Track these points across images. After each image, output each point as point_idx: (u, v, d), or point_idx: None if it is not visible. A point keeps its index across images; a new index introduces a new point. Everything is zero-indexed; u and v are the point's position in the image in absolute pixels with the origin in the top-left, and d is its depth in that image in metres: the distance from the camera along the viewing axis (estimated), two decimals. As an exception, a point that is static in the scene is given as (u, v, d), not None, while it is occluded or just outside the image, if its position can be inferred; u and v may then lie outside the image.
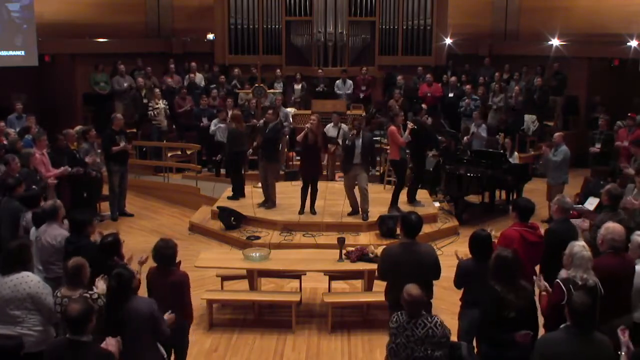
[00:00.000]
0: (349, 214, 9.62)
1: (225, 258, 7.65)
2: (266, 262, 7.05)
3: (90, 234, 5.80)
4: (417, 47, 15.50)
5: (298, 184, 10.12)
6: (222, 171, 12.31)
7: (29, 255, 5.10)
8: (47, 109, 14.08)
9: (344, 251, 7.12)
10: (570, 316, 3.98)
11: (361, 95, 14.81)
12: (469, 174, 10.42)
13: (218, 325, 6.87)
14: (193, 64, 14.80)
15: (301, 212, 9.61)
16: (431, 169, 11.38)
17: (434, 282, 5.41)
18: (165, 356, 4.90)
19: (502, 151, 11.34)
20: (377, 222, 9.26)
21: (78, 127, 10.95)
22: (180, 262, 5.42)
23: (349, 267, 7.04)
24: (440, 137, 11.94)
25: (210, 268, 7.39)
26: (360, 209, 9.54)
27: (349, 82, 14.82)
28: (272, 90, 13.79)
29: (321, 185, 9.99)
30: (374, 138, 11.24)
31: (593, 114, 14.45)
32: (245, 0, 15.41)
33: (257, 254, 7.11)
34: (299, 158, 11.46)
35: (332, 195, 10.18)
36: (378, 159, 12.29)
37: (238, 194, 10.48)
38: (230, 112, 11.54)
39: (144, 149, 13.09)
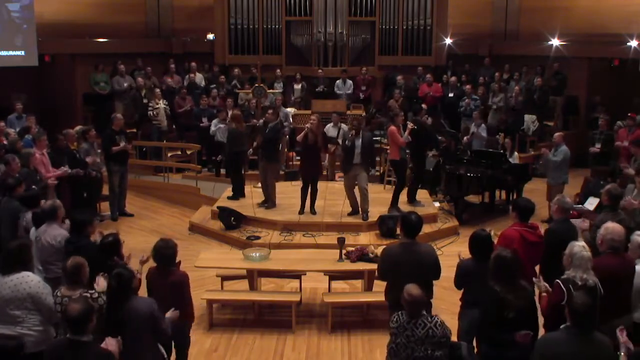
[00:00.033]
0: (349, 214, 9.62)
1: (225, 258, 7.65)
2: (266, 262, 7.05)
3: (90, 234, 5.80)
4: (417, 47, 15.50)
5: (298, 184, 10.11)
6: (222, 171, 12.31)
7: (29, 255, 5.10)
8: (47, 109, 14.08)
9: (344, 251, 7.12)
10: (571, 316, 3.98)
11: (361, 96, 14.81)
12: (469, 174, 10.42)
13: (218, 325, 6.87)
14: (193, 64, 14.80)
15: (301, 212, 9.61)
16: (431, 169, 11.38)
17: (434, 282, 5.41)
18: (165, 356, 4.90)
19: (502, 151, 11.34)
20: (377, 222, 9.26)
21: (78, 127, 10.95)
22: (180, 262, 5.42)
23: (349, 267, 7.03)
24: (440, 137, 11.93)
25: (210, 268, 7.39)
26: (360, 209, 9.54)
27: (349, 82, 14.82)
28: (272, 90, 13.79)
29: (321, 185, 9.99)
30: (374, 138, 11.25)
31: (593, 114, 14.45)
32: (245, 0, 15.41)
33: (257, 254, 7.11)
34: (299, 158, 11.46)
35: (332, 195, 10.18)
36: (378, 159, 12.31)
37: (238, 194, 10.48)
38: (230, 112, 11.54)
39: (144, 149, 13.09)
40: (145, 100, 13.53)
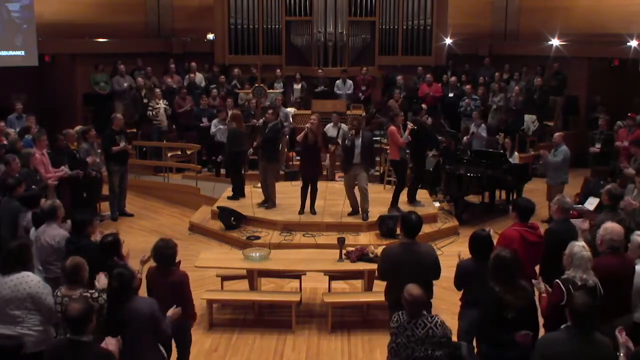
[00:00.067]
0: (349, 214, 9.61)
1: (225, 258, 7.65)
2: (266, 262, 7.05)
3: (90, 233, 5.80)
4: (417, 47, 15.50)
5: (298, 184, 10.11)
6: (222, 171, 12.31)
7: (29, 255, 5.10)
8: (47, 109, 14.09)
9: (344, 251, 7.12)
10: (571, 316, 3.98)
11: (361, 96, 14.79)
12: (469, 174, 10.42)
13: (218, 325, 6.87)
14: (193, 64, 14.80)
15: (301, 212, 9.61)
16: (431, 169, 11.38)
17: (434, 282, 5.41)
18: (166, 356, 4.90)
19: (502, 151, 11.34)
20: (377, 222, 9.26)
21: (78, 127, 10.96)
22: (180, 261, 5.42)
23: (349, 267, 7.04)
24: (440, 137, 11.93)
25: (210, 268, 7.40)
26: (360, 209, 9.54)
27: (349, 82, 14.82)
28: (272, 90, 13.79)
29: (321, 185, 9.99)
30: (374, 138, 11.25)
31: (593, 114, 14.46)
32: (245, 0, 15.41)
33: (257, 254, 7.11)
34: (299, 158, 11.46)
35: (332, 195, 10.18)
36: (378, 159, 12.32)
37: (238, 194, 10.48)
38: (230, 112, 11.54)
39: (144, 149, 13.09)
40: (145, 100, 13.53)
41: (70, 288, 4.67)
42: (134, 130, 13.38)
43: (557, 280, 4.67)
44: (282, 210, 9.85)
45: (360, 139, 9.26)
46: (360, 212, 9.53)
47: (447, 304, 6.51)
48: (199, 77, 14.69)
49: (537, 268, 5.68)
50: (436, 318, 4.36)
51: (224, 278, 7.43)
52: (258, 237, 9.10)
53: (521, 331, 4.48)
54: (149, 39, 16.40)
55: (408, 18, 15.40)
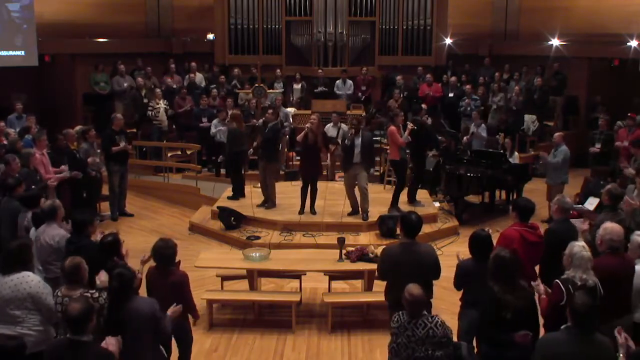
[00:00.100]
0: (349, 214, 9.62)
1: (225, 258, 7.65)
2: (266, 262, 7.05)
3: (91, 233, 5.81)
4: (417, 47, 15.50)
5: (298, 184, 10.11)
6: (222, 171, 12.31)
7: (29, 255, 5.09)
8: (47, 109, 14.09)
9: (344, 251, 7.12)
10: (571, 317, 3.98)
11: (361, 96, 14.79)
12: (469, 174, 10.42)
13: (218, 325, 6.87)
14: (193, 64, 14.80)
15: (301, 212, 9.61)
16: (431, 169, 11.38)
17: (434, 282, 5.41)
18: (166, 356, 4.90)
19: (502, 151, 11.34)
20: (377, 222, 9.26)
21: (78, 127, 10.94)
22: (179, 261, 5.42)
23: (349, 267, 7.04)
24: (440, 137, 11.93)
25: (210, 268, 7.40)
26: (360, 209, 9.54)
27: (349, 82, 14.81)
28: (272, 90, 13.79)
29: (321, 185, 9.99)
30: (374, 138, 11.25)
31: (593, 114, 14.46)
32: (245, 0, 15.41)
33: (257, 254, 7.11)
34: (299, 158, 11.46)
35: (332, 195, 10.18)
36: (378, 159, 12.32)
37: (238, 194, 10.48)
38: (230, 112, 11.54)
39: (144, 149, 13.09)
40: (145, 100, 13.53)
41: (70, 288, 4.66)
42: (134, 130, 13.38)
43: (557, 280, 4.67)
44: (282, 210, 9.85)
45: (360, 138, 9.27)
46: (360, 212, 9.53)
47: (447, 304, 6.51)
48: (199, 77, 14.69)
49: (537, 268, 5.68)
50: (437, 318, 4.36)
51: (224, 278, 7.43)
52: (258, 237, 9.10)
53: (520, 331, 4.48)
54: (149, 39, 16.40)
55: (408, 18, 15.40)
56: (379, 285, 6.22)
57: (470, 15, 16.22)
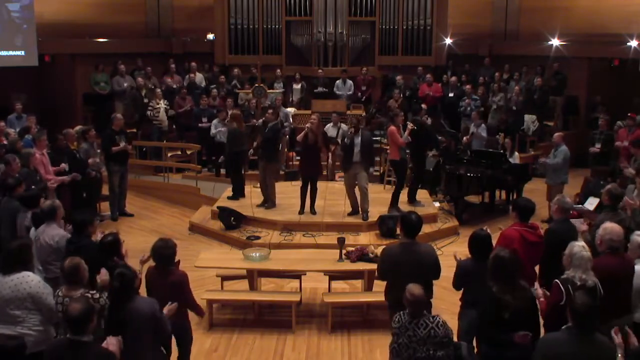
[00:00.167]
0: (349, 214, 9.62)
1: (225, 258, 7.66)
2: (266, 262, 7.05)
3: (91, 233, 5.81)
4: (417, 47, 15.49)
5: (298, 184, 10.11)
6: (222, 171, 12.31)
7: (29, 255, 5.09)
8: (47, 109, 14.09)
9: (344, 251, 7.12)
10: (572, 317, 3.98)
11: (361, 96, 14.78)
12: (469, 174, 10.42)
13: (218, 325, 6.88)
14: (193, 64, 14.80)
15: (301, 212, 9.61)
16: (431, 169, 11.38)
17: (434, 282, 5.41)
18: (166, 356, 4.90)
19: (502, 151, 11.34)
20: (377, 222, 9.26)
21: (78, 127, 10.95)
22: (179, 261, 5.42)
23: (349, 267, 7.04)
24: (440, 137, 11.93)
25: (210, 268, 7.40)
26: (360, 209, 9.54)
27: (349, 82, 14.81)
28: (272, 90, 13.79)
29: (321, 185, 9.99)
30: (374, 138, 11.25)
31: (593, 114, 14.46)
32: (245, 0, 15.41)
33: (257, 254, 7.11)
34: (299, 158, 11.46)
35: (332, 195, 10.18)
36: (378, 159, 12.32)
37: (238, 194, 10.48)
38: (230, 112, 11.54)
39: (144, 149, 13.10)
40: (145, 100, 13.53)
41: (71, 288, 4.66)
42: (134, 130, 13.37)
43: (557, 280, 4.66)
44: (282, 210, 9.85)
45: (359, 138, 9.27)
46: (360, 212, 9.53)
47: (447, 304, 6.51)
48: (199, 77, 14.69)
49: (537, 268, 5.68)
50: (438, 318, 4.36)
51: (224, 278, 7.43)
52: (258, 237, 9.10)
53: (520, 332, 4.48)
54: (149, 39, 16.39)
55: (408, 18, 15.39)
56: (379, 285, 6.22)
57: (470, 15, 16.22)
